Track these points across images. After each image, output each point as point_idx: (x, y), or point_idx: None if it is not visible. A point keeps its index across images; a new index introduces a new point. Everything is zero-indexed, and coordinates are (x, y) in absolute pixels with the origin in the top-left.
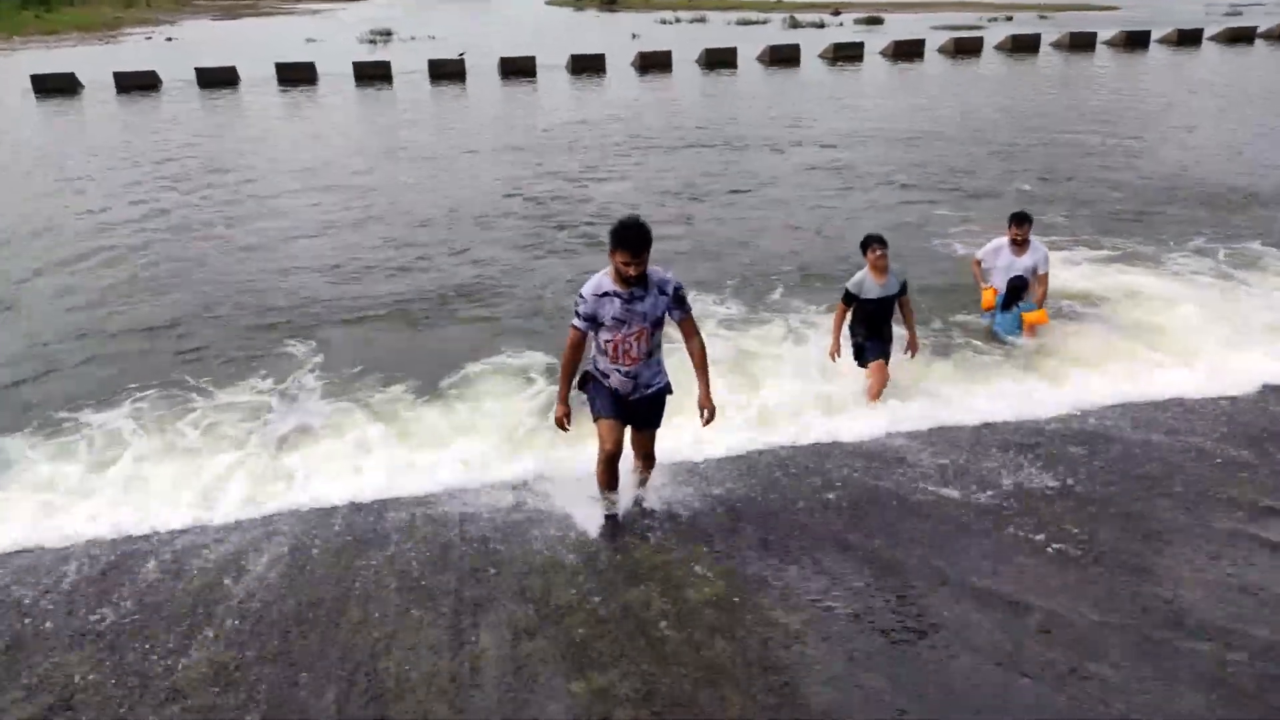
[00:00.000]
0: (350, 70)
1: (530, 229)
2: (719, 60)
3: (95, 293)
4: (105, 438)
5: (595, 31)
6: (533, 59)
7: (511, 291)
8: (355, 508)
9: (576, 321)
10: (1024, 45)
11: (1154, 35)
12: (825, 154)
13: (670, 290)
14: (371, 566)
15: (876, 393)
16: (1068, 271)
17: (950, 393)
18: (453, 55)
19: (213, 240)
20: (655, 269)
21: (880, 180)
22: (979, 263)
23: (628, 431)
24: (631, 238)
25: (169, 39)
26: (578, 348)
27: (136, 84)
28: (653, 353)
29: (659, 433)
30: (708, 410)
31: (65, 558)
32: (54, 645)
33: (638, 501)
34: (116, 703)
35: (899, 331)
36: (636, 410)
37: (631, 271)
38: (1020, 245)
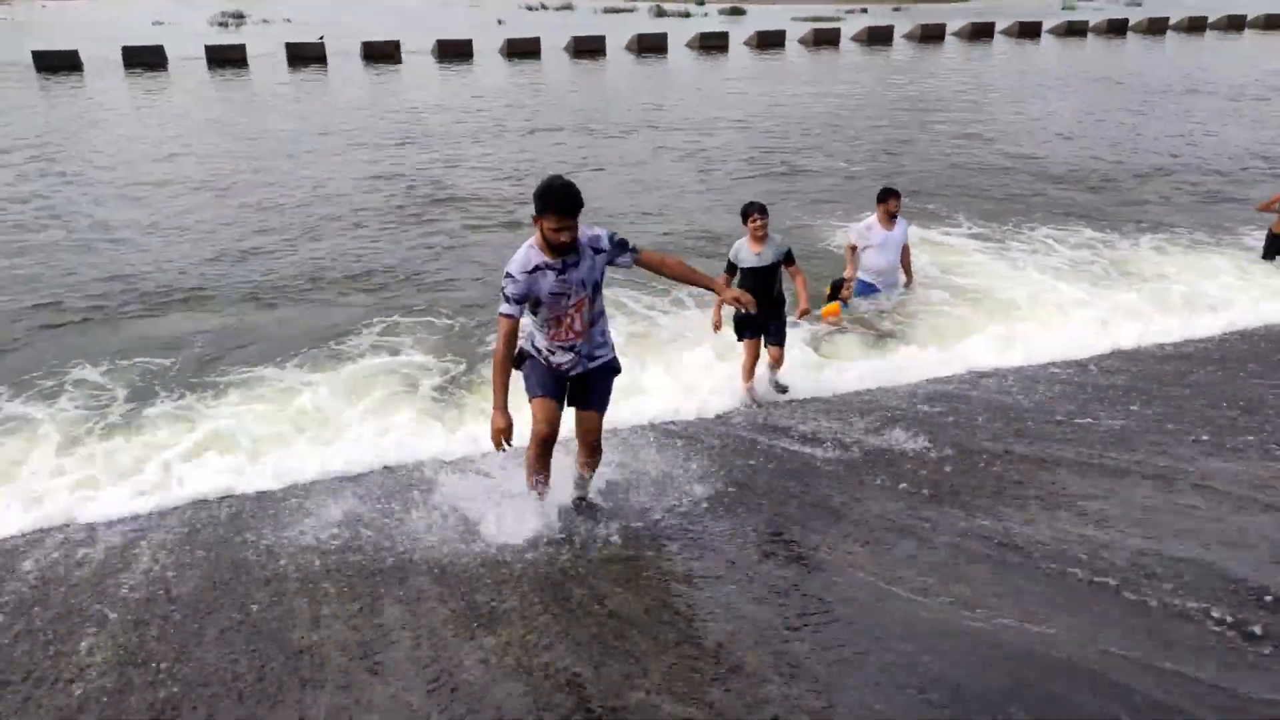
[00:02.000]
0: (202, 53)
1: (397, 211)
2: (587, 48)
3: None
4: None
5: (460, 17)
6: (397, 43)
7: (388, 271)
8: (245, 496)
9: (507, 307)
10: (879, 37)
11: (998, 27)
12: (686, 139)
13: (606, 244)
14: (269, 551)
15: (752, 371)
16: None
17: (821, 367)
18: (312, 39)
19: (66, 230)
20: (581, 228)
21: (737, 163)
22: (853, 247)
23: (570, 415)
24: (562, 198)
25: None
26: (512, 339)
27: None
28: (595, 321)
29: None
30: (740, 301)
31: None
32: None
33: (579, 502)
34: (17, 692)
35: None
36: (582, 386)
37: (563, 238)
38: (892, 220)
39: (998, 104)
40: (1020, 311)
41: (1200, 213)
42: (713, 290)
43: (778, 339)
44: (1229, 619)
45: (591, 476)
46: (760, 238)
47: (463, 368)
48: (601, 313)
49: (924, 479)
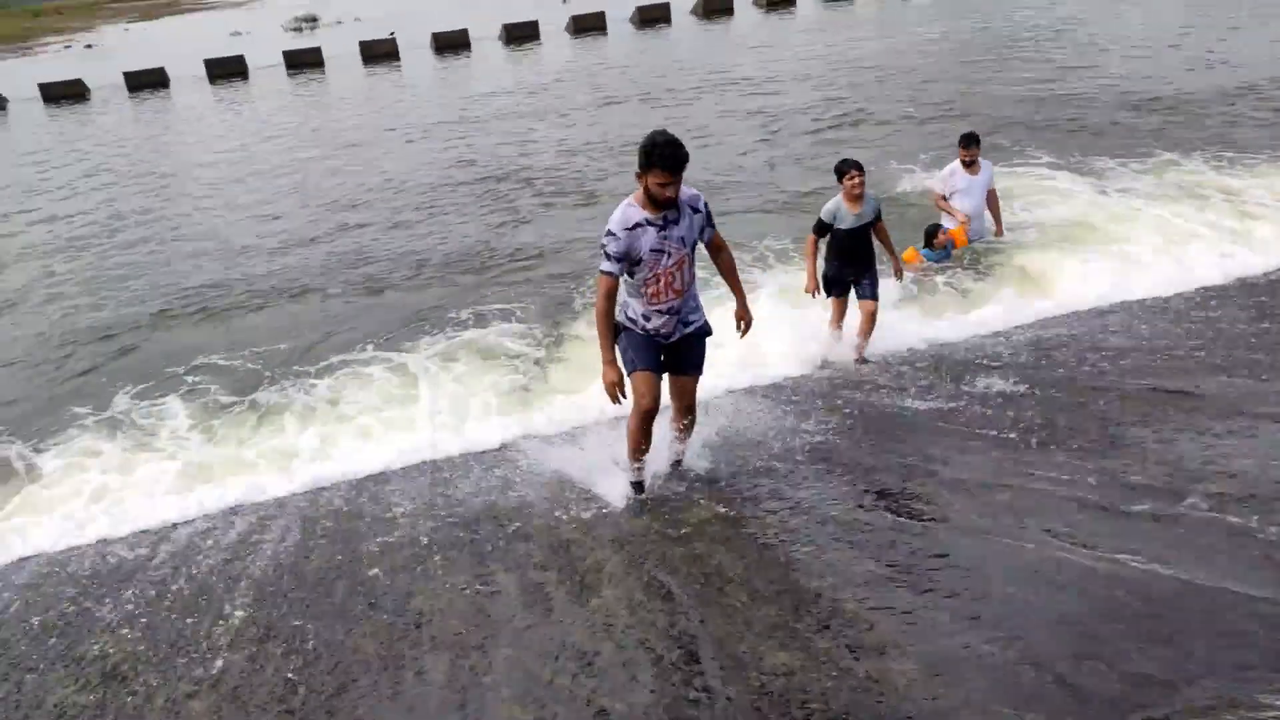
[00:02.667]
0: (281, 60)
1: (479, 194)
2: (653, 17)
3: (69, 294)
4: (84, 441)
5: None
6: (465, 31)
7: (477, 253)
8: (354, 482)
9: (608, 265)
10: None
11: None
12: (752, 100)
13: (702, 206)
14: (382, 529)
15: (865, 331)
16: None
17: (907, 319)
18: (383, 35)
19: (165, 236)
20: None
21: (806, 119)
22: (942, 196)
23: (664, 382)
24: (668, 154)
25: (88, 46)
26: (612, 296)
27: (64, 94)
28: (692, 283)
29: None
30: (745, 321)
31: (72, 558)
32: (90, 630)
33: (676, 465)
34: (162, 665)
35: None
36: (678, 352)
37: (669, 194)
38: (973, 165)
39: (1076, 31)
40: (1111, 246)
41: None
42: (739, 302)
43: (871, 292)
44: None
45: (688, 439)
46: (857, 196)
47: (559, 343)
48: (694, 277)
49: (1022, 424)
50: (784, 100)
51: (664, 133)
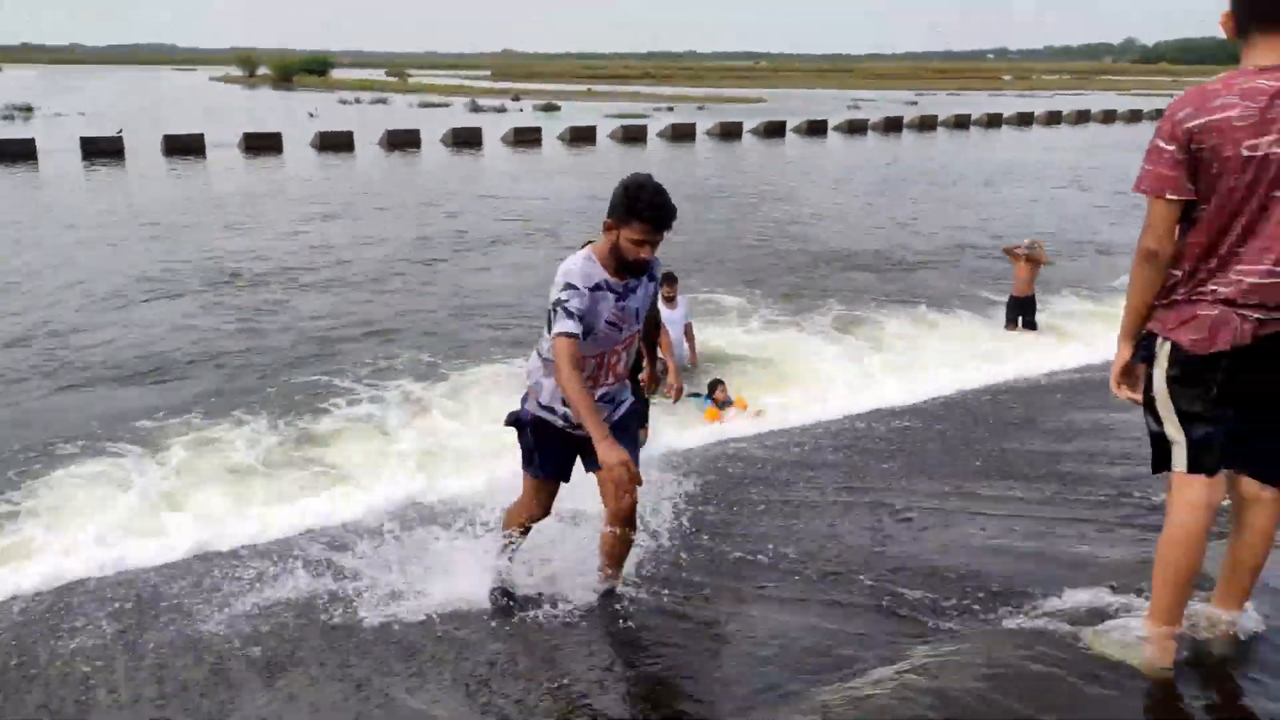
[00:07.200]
0: None
1: (187, 297)
2: (402, 141)
3: None
4: None
5: (271, 109)
6: (201, 136)
7: (188, 358)
8: (32, 596)
9: (570, 325)
10: (682, 133)
11: (789, 125)
12: (484, 223)
13: (657, 271)
14: (62, 637)
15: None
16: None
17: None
18: (109, 133)
19: None
20: None
21: (521, 246)
22: None
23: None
24: (659, 205)
25: None
26: (579, 362)
27: None
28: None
29: None
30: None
31: None
32: None
33: (609, 593)
34: None
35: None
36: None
37: (645, 255)
38: (672, 300)
39: (777, 193)
40: (782, 380)
41: (952, 282)
42: (671, 372)
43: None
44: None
45: (623, 563)
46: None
47: (281, 439)
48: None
49: (694, 520)
50: (511, 227)
51: (650, 178)
